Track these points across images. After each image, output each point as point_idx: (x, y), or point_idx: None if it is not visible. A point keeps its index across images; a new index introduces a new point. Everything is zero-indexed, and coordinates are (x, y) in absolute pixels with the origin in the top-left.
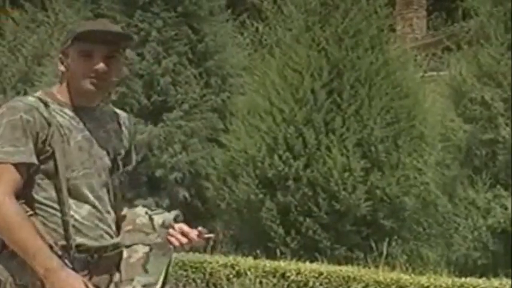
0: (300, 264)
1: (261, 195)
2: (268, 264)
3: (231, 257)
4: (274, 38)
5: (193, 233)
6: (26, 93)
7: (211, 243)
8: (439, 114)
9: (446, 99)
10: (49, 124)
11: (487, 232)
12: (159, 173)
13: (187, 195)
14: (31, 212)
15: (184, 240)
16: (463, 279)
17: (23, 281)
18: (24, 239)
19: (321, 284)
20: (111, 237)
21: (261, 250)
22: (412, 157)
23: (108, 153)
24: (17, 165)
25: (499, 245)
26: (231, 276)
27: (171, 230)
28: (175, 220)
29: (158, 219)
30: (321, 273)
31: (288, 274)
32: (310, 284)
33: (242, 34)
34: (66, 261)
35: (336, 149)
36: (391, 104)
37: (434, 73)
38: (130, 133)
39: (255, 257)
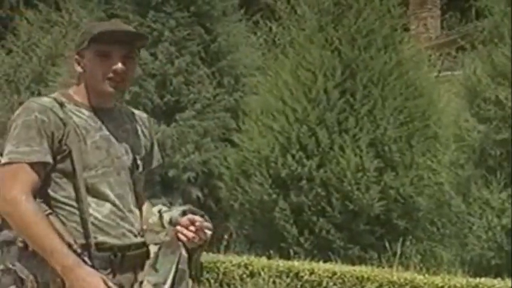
0: (314, 264)
1: (274, 195)
2: (281, 264)
3: (244, 257)
4: (287, 38)
5: (197, 222)
6: (40, 94)
7: (224, 243)
8: (453, 114)
9: (461, 99)
10: (64, 124)
11: (501, 232)
12: (172, 173)
13: (200, 195)
14: (50, 211)
15: (190, 234)
16: (477, 279)
17: (44, 278)
18: (42, 237)
19: (334, 284)
20: (135, 235)
21: (274, 250)
22: (426, 157)
23: (127, 153)
24: (32, 165)
25: None
26: (244, 276)
27: (178, 227)
28: (184, 215)
29: (167, 216)
30: (334, 273)
31: (301, 274)
32: (324, 284)
33: (255, 34)
34: (86, 259)
35: (349, 149)
36: (405, 104)
37: (449, 73)
38: (150, 134)
39: (269, 257)
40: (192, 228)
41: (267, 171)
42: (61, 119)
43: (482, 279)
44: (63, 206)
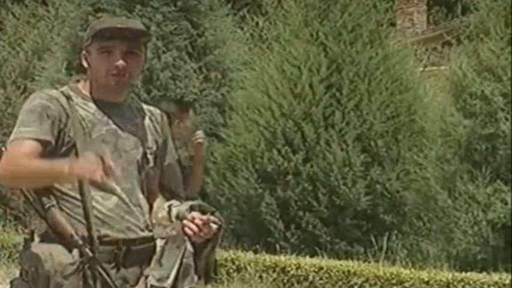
0: (300, 258)
1: (260, 190)
2: (268, 258)
3: (231, 252)
4: (273, 32)
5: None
6: (26, 88)
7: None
8: (439, 109)
9: (447, 94)
10: (67, 115)
11: (487, 227)
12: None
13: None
14: (53, 203)
15: (194, 227)
16: (463, 273)
17: (45, 270)
18: (37, 169)
19: (321, 279)
20: (141, 230)
21: (261, 245)
22: (412, 152)
23: (136, 147)
24: (31, 142)
25: (499, 239)
26: (231, 270)
27: (184, 221)
28: (192, 210)
29: (175, 211)
30: (321, 268)
31: (288, 269)
32: (310, 278)
33: (242, 29)
34: (87, 250)
35: (336, 143)
36: (391, 99)
37: (435, 68)
38: (163, 129)
39: (255, 252)
40: (197, 221)
41: (253, 166)
42: (65, 110)
43: (468, 274)
44: (67, 198)
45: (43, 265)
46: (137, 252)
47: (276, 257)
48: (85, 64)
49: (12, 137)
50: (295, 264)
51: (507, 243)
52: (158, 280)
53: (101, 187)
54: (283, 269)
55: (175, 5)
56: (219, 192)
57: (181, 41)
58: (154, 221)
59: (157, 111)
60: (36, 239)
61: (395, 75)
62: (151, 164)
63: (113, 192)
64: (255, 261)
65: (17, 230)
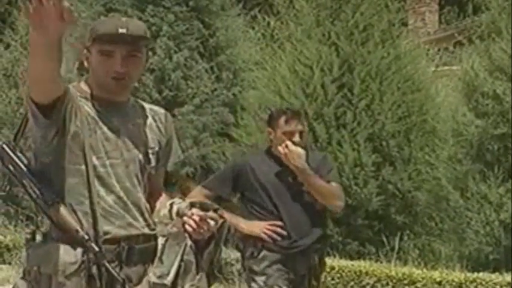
0: None
1: None
2: None
3: None
4: (285, 32)
5: (200, 216)
6: None
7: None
8: (451, 109)
9: (458, 94)
10: (77, 104)
11: (499, 227)
12: (169, 167)
13: None
14: (58, 199)
15: (193, 224)
16: (475, 274)
17: (47, 269)
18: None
19: (332, 279)
20: (142, 227)
21: None
22: (423, 152)
23: (137, 147)
24: None
25: (511, 239)
26: (242, 270)
27: (184, 218)
28: (192, 207)
29: (176, 208)
30: (332, 268)
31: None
32: (322, 278)
33: (253, 29)
34: (93, 245)
35: (347, 143)
36: (403, 99)
37: (447, 67)
38: (166, 129)
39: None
40: (195, 217)
41: None
42: (74, 98)
43: (480, 274)
44: (72, 193)
45: (45, 265)
46: (140, 251)
47: None
48: (86, 64)
49: None
50: None
51: None
52: (159, 277)
53: (103, 183)
54: None
55: (187, 5)
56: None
57: (193, 41)
58: (156, 219)
59: (161, 111)
60: (38, 238)
61: (407, 75)
62: (153, 163)
63: (112, 189)
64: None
65: None
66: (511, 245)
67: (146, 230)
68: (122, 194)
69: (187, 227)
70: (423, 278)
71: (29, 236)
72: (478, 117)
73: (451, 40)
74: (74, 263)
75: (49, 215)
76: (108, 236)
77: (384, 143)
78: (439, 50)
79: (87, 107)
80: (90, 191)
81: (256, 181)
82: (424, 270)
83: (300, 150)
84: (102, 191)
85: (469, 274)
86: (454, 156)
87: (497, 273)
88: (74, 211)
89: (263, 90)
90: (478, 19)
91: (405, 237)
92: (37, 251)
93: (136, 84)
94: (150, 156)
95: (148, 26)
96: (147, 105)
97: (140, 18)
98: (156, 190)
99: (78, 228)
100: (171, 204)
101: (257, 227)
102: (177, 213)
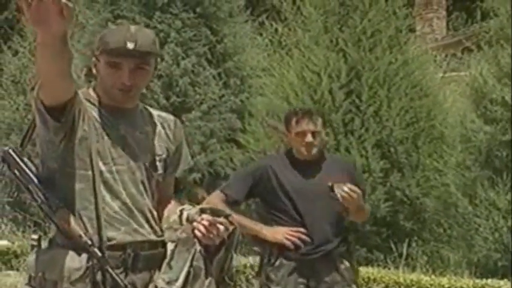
0: None
1: None
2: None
3: (250, 258)
4: (293, 39)
5: (209, 221)
6: None
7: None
8: (459, 115)
9: (467, 100)
10: (84, 109)
11: (508, 233)
12: (178, 173)
13: (206, 196)
14: (61, 204)
15: (202, 229)
16: (484, 280)
17: (52, 276)
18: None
19: None
20: (148, 234)
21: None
22: (432, 158)
23: (144, 154)
24: None
25: None
26: (250, 277)
27: (194, 223)
28: (202, 213)
29: (185, 214)
30: None
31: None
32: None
33: (261, 35)
34: (96, 250)
35: (355, 150)
36: (411, 105)
37: (454, 73)
38: (175, 136)
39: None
40: (204, 222)
41: None
42: (82, 102)
43: (489, 281)
44: (78, 198)
45: (50, 271)
46: (146, 258)
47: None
48: (94, 71)
49: None
50: None
51: None
52: (167, 283)
53: (109, 188)
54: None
55: (195, 12)
56: None
57: (201, 48)
58: (165, 225)
59: (170, 117)
60: (44, 244)
61: (414, 81)
62: (160, 171)
63: (117, 195)
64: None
65: None
66: None
67: (152, 237)
68: (127, 200)
69: (196, 232)
70: (431, 285)
71: (35, 242)
72: (486, 123)
73: (458, 46)
74: (79, 269)
75: (54, 221)
76: (113, 242)
77: (392, 149)
78: (446, 56)
79: (95, 113)
80: (95, 197)
81: (278, 185)
82: (433, 276)
83: (356, 193)
84: (107, 197)
85: (477, 281)
86: (462, 163)
87: (505, 280)
88: (80, 216)
89: (271, 97)
90: (486, 25)
91: (413, 244)
92: (42, 257)
93: (144, 91)
94: (157, 163)
95: (156, 33)
96: (155, 112)
97: (148, 25)
98: (165, 197)
99: (82, 233)
100: (181, 211)
101: (280, 233)
102: (187, 219)
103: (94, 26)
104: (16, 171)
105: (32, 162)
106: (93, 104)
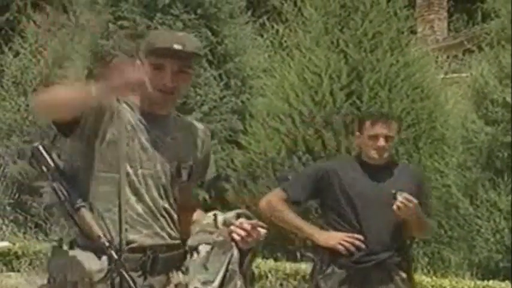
0: None
1: None
2: (289, 266)
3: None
4: (293, 40)
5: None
6: None
7: None
8: (461, 116)
9: (468, 101)
10: (111, 113)
11: (509, 235)
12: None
13: (207, 197)
14: (83, 204)
15: (242, 233)
16: (485, 281)
17: (74, 278)
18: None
19: None
20: (169, 236)
21: (281, 252)
22: (433, 159)
23: (171, 160)
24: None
25: None
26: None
27: (232, 227)
28: (238, 217)
29: (221, 218)
30: None
31: (308, 277)
32: None
33: (262, 36)
34: (113, 252)
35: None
36: (412, 106)
37: (456, 75)
38: (204, 145)
39: (276, 260)
40: (246, 226)
41: (274, 173)
42: (111, 107)
43: (490, 282)
44: (101, 200)
45: (71, 272)
46: (164, 260)
47: (297, 265)
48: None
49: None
50: None
51: None
52: (203, 283)
53: (134, 191)
54: (303, 277)
55: (196, 13)
56: (239, 199)
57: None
58: (198, 229)
59: (201, 126)
60: (65, 246)
61: (416, 83)
62: (184, 178)
63: (141, 198)
64: (276, 269)
65: (37, 238)
66: None
67: (171, 240)
68: (150, 203)
69: (235, 235)
70: (433, 286)
71: (55, 244)
72: (487, 124)
73: (460, 47)
74: (100, 271)
75: (75, 219)
76: (134, 245)
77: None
78: (448, 57)
79: (130, 115)
80: (120, 199)
81: (340, 189)
82: (434, 278)
83: (412, 204)
84: (132, 199)
85: (478, 282)
86: (463, 164)
87: (507, 281)
88: (102, 218)
89: (272, 98)
90: (488, 26)
91: (414, 245)
92: (63, 258)
93: None
94: (182, 170)
95: None
96: (187, 120)
97: (149, 26)
98: (187, 203)
99: (101, 234)
100: (215, 215)
101: (333, 239)
102: (224, 223)
103: (95, 28)
104: (44, 168)
105: (59, 158)
106: (130, 107)
